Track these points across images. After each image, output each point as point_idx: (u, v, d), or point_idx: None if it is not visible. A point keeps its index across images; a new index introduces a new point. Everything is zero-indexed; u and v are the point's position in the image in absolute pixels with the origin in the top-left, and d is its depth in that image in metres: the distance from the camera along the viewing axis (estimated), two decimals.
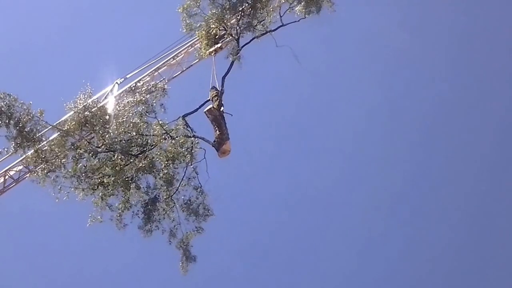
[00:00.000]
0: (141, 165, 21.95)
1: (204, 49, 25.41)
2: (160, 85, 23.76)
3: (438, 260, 46.24)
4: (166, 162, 22.41)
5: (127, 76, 28.02)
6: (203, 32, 24.90)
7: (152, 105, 22.68)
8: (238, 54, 24.20)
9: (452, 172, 48.03)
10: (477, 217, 47.19)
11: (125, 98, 23.94)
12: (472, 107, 48.40)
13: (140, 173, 22.29)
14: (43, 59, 47.02)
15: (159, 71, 28.41)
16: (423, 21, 46.95)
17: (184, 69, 28.30)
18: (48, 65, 46.58)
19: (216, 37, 25.12)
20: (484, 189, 48.01)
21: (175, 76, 28.41)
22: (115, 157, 21.88)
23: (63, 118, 23.43)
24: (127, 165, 22.04)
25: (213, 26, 24.52)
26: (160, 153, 22.48)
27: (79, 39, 46.86)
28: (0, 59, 44.63)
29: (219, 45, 25.20)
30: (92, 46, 46.13)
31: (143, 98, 22.73)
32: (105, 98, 26.69)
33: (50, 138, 23.00)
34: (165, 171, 22.60)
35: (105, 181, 21.90)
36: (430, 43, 47.05)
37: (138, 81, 26.79)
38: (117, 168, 21.84)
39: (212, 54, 25.37)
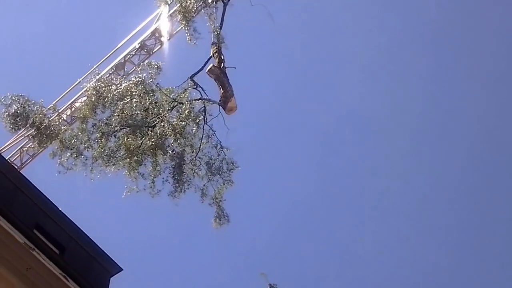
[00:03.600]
0: (150, 143, 22.23)
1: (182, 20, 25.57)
2: (154, 63, 24.03)
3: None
4: (174, 136, 22.68)
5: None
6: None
7: (149, 83, 22.98)
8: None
9: None
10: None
11: (118, 79, 24.40)
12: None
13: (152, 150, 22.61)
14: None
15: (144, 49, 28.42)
16: None
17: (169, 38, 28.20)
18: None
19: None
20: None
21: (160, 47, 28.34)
22: (132, 133, 22.23)
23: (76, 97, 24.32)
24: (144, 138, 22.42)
25: None
26: (168, 127, 22.74)
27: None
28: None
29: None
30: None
31: (140, 79, 23.04)
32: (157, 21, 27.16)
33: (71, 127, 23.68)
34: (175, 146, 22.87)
35: (131, 154, 22.19)
36: None
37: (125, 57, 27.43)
38: (134, 144, 22.21)
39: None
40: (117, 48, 28.26)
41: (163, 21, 26.73)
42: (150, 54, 27.80)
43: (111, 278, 18.31)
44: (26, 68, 43.59)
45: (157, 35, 27.04)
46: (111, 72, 27.48)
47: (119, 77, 26.08)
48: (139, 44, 27.89)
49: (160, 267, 41.38)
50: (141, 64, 24.91)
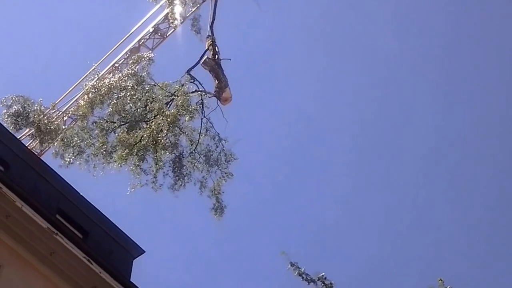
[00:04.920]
0: (146, 135, 22.41)
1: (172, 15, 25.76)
2: (146, 55, 24.24)
3: None
4: (168, 127, 22.83)
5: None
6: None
7: (141, 76, 23.18)
8: None
9: None
10: None
11: (114, 74, 24.58)
12: None
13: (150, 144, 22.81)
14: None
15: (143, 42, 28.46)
16: None
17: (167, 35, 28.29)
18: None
19: None
20: None
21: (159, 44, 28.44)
22: (130, 128, 22.45)
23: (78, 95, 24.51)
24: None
25: None
26: (163, 119, 22.89)
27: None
28: None
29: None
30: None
31: (132, 71, 23.26)
32: None
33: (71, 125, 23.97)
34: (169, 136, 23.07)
35: (132, 149, 22.45)
36: None
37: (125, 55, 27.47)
38: (133, 139, 22.41)
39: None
40: (131, 33, 28.39)
41: (176, 4, 26.83)
42: (164, 38, 27.91)
43: (134, 260, 18.57)
44: (27, 65, 43.94)
45: (170, 19, 27.13)
46: (126, 56, 27.62)
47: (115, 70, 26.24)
48: (153, 28, 27.97)
49: (181, 249, 41.73)
50: (132, 56, 25.11)
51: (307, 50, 45.58)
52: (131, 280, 16.30)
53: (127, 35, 28.50)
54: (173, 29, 27.77)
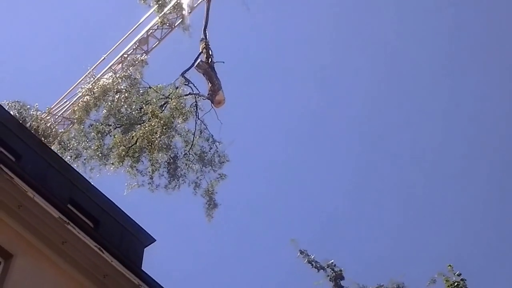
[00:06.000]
0: (140, 136, 22.52)
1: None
2: (140, 58, 24.40)
3: None
4: (162, 129, 22.98)
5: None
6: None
7: (135, 78, 23.33)
8: None
9: None
10: None
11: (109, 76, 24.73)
12: None
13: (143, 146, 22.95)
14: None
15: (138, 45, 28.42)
16: None
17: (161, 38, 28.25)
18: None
19: None
20: None
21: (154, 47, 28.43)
22: (125, 131, 22.61)
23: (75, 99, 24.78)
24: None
25: None
26: (157, 121, 23.02)
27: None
28: None
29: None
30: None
31: (126, 74, 23.40)
32: None
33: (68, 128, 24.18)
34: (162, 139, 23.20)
35: (130, 149, 22.57)
36: None
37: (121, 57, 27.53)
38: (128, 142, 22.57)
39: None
40: (140, 24, 28.44)
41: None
42: (172, 28, 27.97)
43: (145, 249, 18.68)
44: (21, 69, 44.11)
45: (178, 9, 27.20)
46: (134, 47, 27.69)
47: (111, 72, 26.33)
48: (161, 19, 28.04)
49: (192, 237, 41.90)
50: (127, 59, 25.19)
51: (303, 51, 45.91)
52: (142, 268, 16.40)
53: (135, 25, 28.54)
54: (181, 19, 27.75)
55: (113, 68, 26.73)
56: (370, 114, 46.41)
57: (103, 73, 26.81)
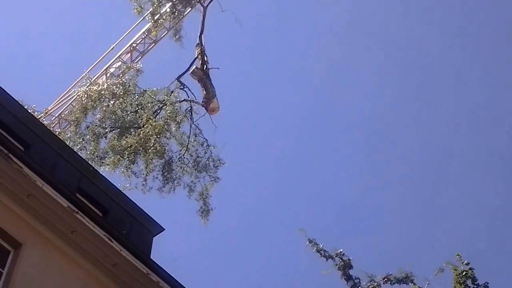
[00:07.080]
0: (134, 142, 22.62)
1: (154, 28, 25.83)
2: (134, 65, 24.45)
3: None
4: (155, 136, 23.08)
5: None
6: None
7: (129, 85, 23.41)
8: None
9: None
10: None
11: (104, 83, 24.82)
12: None
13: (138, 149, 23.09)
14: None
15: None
16: None
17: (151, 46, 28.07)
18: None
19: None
20: None
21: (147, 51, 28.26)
22: (120, 134, 22.75)
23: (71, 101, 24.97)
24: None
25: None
26: (151, 128, 23.11)
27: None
28: None
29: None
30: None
31: (120, 81, 23.49)
32: None
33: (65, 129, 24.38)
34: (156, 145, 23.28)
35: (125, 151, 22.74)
36: None
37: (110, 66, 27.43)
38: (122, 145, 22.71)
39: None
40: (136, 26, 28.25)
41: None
42: (167, 30, 27.71)
43: (154, 238, 18.72)
44: (28, 63, 44.18)
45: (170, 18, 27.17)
46: (143, 36, 27.64)
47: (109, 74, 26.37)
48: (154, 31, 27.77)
49: (201, 226, 41.97)
50: (122, 67, 25.24)
51: (299, 54, 45.91)
52: (151, 257, 16.44)
53: (122, 37, 28.42)
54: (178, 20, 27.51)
55: (109, 70, 26.80)
56: (381, 107, 46.37)
57: (99, 75, 26.90)
